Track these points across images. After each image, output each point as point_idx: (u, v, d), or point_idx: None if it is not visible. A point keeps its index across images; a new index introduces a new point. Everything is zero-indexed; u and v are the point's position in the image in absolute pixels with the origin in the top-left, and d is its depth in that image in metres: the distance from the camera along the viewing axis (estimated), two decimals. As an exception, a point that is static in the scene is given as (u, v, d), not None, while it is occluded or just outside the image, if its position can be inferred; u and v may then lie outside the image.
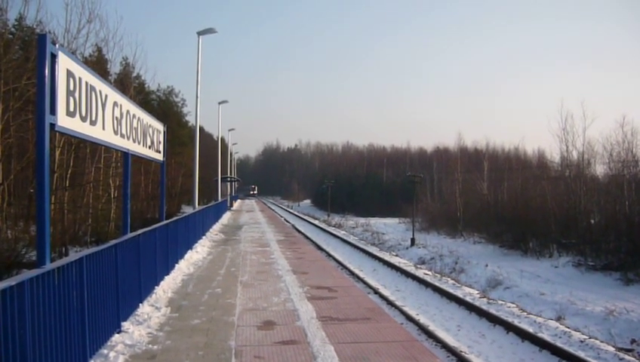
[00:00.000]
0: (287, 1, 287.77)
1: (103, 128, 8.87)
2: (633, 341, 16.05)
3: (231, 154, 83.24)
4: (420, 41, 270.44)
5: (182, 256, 15.90)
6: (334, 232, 44.06)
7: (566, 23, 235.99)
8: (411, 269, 23.36)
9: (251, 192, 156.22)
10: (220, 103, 48.22)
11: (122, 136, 10.35)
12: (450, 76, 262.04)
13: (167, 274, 12.99)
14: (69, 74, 7.11)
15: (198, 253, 18.01)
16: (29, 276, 4.66)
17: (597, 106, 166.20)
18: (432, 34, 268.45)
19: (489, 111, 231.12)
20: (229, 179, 68.49)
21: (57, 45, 6.70)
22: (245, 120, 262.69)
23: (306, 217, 66.78)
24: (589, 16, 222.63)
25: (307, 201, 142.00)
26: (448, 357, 11.13)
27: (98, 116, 8.48)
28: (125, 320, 8.40)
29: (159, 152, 14.74)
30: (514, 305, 16.79)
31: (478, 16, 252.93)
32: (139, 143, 12.07)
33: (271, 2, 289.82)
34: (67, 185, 27.82)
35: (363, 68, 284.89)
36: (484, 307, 15.72)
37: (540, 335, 12.86)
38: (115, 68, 38.92)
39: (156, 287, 11.22)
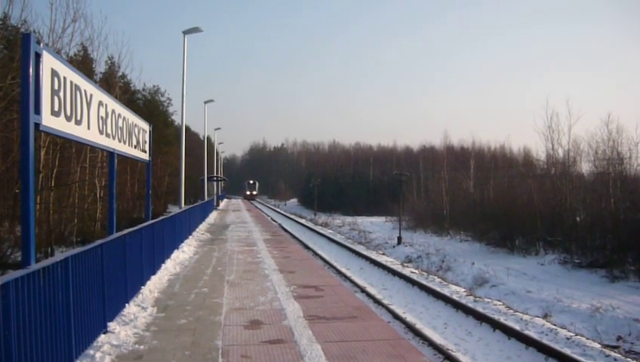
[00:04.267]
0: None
1: (88, 128, 8.83)
2: (619, 337, 16.19)
3: (217, 153, 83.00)
4: (406, 43, 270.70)
5: (168, 256, 15.84)
6: (321, 231, 44.09)
7: (554, 24, 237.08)
8: (398, 268, 23.44)
9: (248, 192, 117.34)
10: (205, 102, 47.95)
11: (108, 135, 10.31)
12: (436, 76, 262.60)
13: (154, 273, 12.94)
14: (54, 73, 7.07)
15: (185, 253, 17.96)
16: (14, 276, 4.62)
17: (583, 105, 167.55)
18: (420, 37, 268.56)
19: (475, 110, 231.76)
20: (215, 178, 68.29)
21: (42, 44, 6.66)
22: (231, 119, 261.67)
23: (292, 216, 66.74)
24: (576, 18, 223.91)
25: (294, 200, 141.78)
26: (435, 355, 11.18)
27: (83, 116, 8.44)
28: (111, 320, 8.36)
29: (145, 152, 14.69)
30: (500, 303, 16.89)
31: (466, 20, 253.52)
32: (124, 143, 12.03)
33: (255, 1, 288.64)
34: (52, 185, 27.67)
35: (348, 68, 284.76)
36: (471, 305, 15.80)
37: (526, 332, 12.94)
38: (100, 67, 38.83)
39: (142, 287, 11.17)
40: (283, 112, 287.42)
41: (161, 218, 15.92)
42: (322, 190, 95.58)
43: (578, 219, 38.40)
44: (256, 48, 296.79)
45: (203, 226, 30.54)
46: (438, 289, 18.20)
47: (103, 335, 7.66)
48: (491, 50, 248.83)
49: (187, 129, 50.63)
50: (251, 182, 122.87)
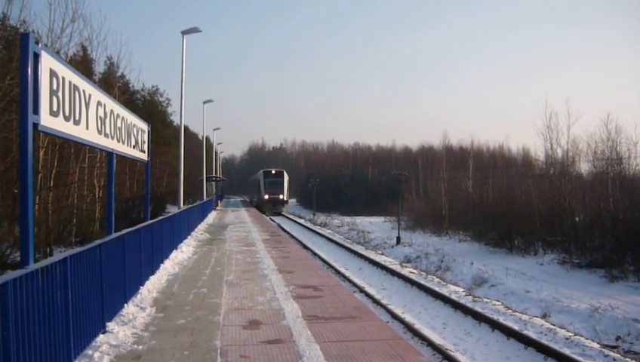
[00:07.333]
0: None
1: (87, 128, 8.82)
2: (618, 337, 16.17)
3: (216, 153, 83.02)
4: (405, 43, 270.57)
5: (167, 256, 15.83)
6: (320, 231, 44.11)
7: (553, 25, 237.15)
8: (397, 268, 23.45)
9: (266, 196, 66.24)
10: (204, 103, 48.03)
11: (106, 135, 10.31)
12: (435, 76, 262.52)
13: (153, 274, 12.93)
14: (53, 73, 7.06)
15: (184, 253, 17.94)
16: (13, 276, 4.62)
17: (582, 105, 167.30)
18: (419, 37, 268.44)
19: (474, 110, 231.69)
20: (214, 178, 68.18)
21: (40, 44, 6.66)
22: (230, 119, 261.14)
23: (291, 216, 66.70)
24: (576, 18, 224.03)
25: (293, 200, 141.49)
26: (434, 355, 11.19)
27: (82, 116, 8.44)
28: (110, 320, 8.35)
29: (144, 152, 14.68)
30: (499, 303, 16.90)
31: (465, 21, 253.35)
32: (123, 143, 12.02)
33: (253, 1, 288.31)
34: (51, 185, 27.62)
35: (347, 68, 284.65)
36: (470, 305, 15.80)
37: (525, 332, 12.95)
38: (99, 67, 38.78)
39: (141, 287, 11.16)
40: (282, 112, 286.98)
41: (159, 218, 15.91)
42: (321, 190, 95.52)
43: (577, 219, 38.39)
44: (255, 48, 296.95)
45: (202, 226, 30.54)
46: (436, 289, 18.21)
47: (101, 336, 7.66)
48: (490, 50, 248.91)
49: (186, 129, 50.68)
50: (273, 172, 71.13)
